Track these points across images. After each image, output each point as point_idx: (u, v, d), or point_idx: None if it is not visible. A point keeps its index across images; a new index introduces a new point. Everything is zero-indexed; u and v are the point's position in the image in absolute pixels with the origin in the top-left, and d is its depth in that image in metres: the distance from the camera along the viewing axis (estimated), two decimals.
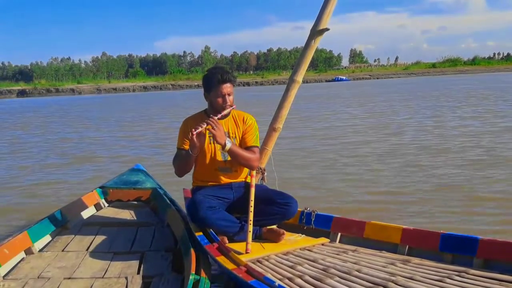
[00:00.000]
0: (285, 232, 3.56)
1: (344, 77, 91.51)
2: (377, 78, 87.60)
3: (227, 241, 3.43)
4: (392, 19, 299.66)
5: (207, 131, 3.43)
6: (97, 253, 3.51)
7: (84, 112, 27.12)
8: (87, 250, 3.59)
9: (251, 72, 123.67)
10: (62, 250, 3.59)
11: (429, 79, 65.46)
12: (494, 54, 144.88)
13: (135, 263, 3.29)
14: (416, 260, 3.04)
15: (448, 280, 2.62)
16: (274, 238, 3.53)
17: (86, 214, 4.48)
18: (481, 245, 2.91)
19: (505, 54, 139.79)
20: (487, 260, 2.88)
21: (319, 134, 12.26)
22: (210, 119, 3.37)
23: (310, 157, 8.88)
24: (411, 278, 2.67)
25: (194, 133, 3.29)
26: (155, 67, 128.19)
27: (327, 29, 3.99)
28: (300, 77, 4.05)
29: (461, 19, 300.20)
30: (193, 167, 3.67)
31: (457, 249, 3.01)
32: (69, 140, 13.71)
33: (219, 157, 3.59)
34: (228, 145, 3.39)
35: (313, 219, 3.75)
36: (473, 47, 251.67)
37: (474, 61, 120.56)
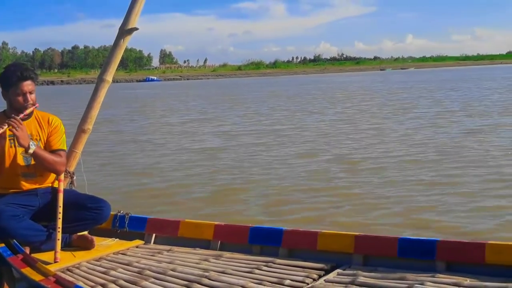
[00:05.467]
0: (96, 237, 3.44)
1: (155, 77, 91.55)
2: (187, 79, 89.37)
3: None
4: (200, 21, 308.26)
5: (8, 133, 3.17)
6: None
7: None
8: None
9: (56, 70, 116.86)
10: None
11: (240, 80, 69.23)
12: (293, 58, 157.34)
13: None
14: (227, 254, 3.17)
15: (257, 271, 2.79)
16: (85, 244, 3.38)
17: None
18: (285, 235, 3.15)
19: (302, 58, 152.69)
20: (291, 250, 3.12)
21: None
22: (12, 119, 3.11)
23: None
24: (223, 272, 2.78)
25: None
26: None
27: (136, 29, 3.95)
28: (110, 76, 3.94)
29: (263, 25, 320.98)
30: None
31: (264, 240, 3.21)
32: None
33: (21, 161, 3.33)
34: (32, 147, 3.16)
35: (126, 222, 3.68)
36: (275, 51, 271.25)
37: (275, 64, 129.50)
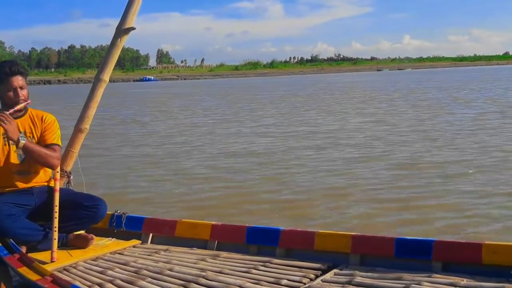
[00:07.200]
0: (94, 237, 3.43)
1: (152, 77, 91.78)
2: (184, 79, 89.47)
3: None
4: (197, 21, 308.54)
5: (1, 132, 3.18)
6: None
7: None
8: None
9: (53, 69, 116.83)
10: None
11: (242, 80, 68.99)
12: (290, 58, 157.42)
13: None
14: (224, 254, 3.17)
15: (254, 271, 2.79)
16: (82, 244, 3.37)
17: None
18: (283, 235, 3.15)
19: (299, 58, 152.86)
20: (288, 249, 3.12)
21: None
22: (0, 113, 3.12)
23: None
24: (220, 272, 2.78)
25: None
26: None
27: (133, 28, 3.95)
28: (107, 76, 3.95)
29: (261, 24, 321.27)
30: None
31: (261, 240, 3.21)
32: None
33: (15, 159, 3.33)
34: (22, 141, 3.16)
35: (123, 221, 3.67)
36: (272, 51, 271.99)
37: (272, 65, 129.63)
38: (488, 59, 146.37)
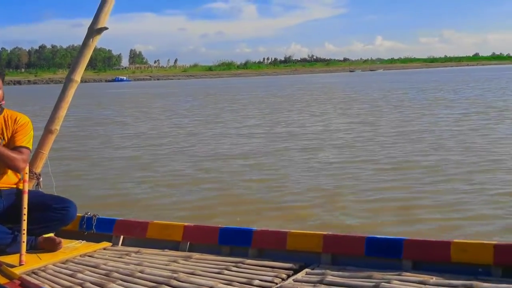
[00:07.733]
0: (63, 239, 3.38)
1: (124, 78, 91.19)
2: (158, 79, 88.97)
3: None
4: (172, 21, 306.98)
5: None
6: None
7: None
8: None
9: (23, 70, 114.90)
10: None
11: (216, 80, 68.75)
12: (264, 59, 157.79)
13: None
14: (197, 255, 3.15)
15: (226, 272, 2.79)
16: (52, 247, 3.31)
17: None
18: (255, 235, 3.16)
19: (273, 59, 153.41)
20: (261, 250, 3.13)
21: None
22: None
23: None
24: (192, 273, 2.77)
25: None
26: None
27: (105, 28, 3.91)
28: (78, 76, 3.89)
29: (235, 25, 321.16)
30: None
31: (234, 241, 3.21)
32: None
33: None
34: None
35: (94, 223, 3.63)
36: (247, 52, 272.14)
37: (246, 65, 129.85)
38: (458, 60, 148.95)
